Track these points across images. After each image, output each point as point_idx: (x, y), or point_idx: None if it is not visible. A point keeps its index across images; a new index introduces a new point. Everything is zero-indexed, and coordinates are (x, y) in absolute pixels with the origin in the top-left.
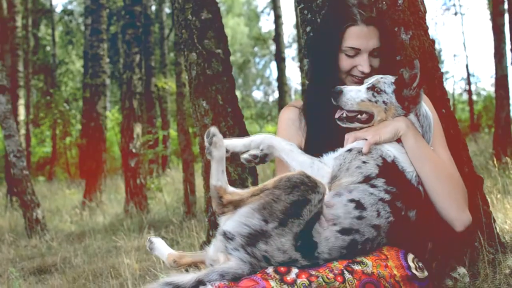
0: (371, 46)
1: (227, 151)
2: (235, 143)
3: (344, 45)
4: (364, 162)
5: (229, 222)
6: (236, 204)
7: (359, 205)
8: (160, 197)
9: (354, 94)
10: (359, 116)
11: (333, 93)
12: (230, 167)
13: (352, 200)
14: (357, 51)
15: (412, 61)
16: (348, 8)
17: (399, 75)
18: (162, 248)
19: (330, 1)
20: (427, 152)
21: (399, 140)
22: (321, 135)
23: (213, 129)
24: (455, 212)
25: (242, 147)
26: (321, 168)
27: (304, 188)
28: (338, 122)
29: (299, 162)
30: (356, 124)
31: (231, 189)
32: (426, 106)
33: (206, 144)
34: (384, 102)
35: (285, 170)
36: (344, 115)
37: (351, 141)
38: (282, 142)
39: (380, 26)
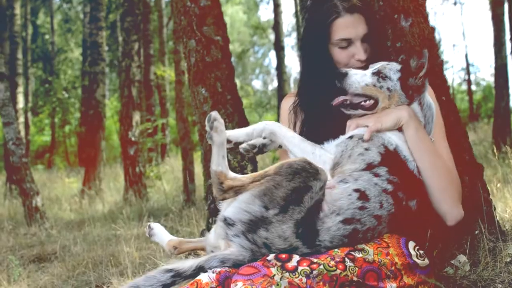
0: (361, 32)
1: (230, 141)
2: (237, 133)
3: (334, 39)
4: (366, 149)
5: (229, 208)
6: (237, 190)
7: (363, 196)
8: (159, 186)
9: (359, 78)
10: (362, 102)
11: (338, 75)
12: (230, 154)
13: (357, 190)
14: (348, 42)
15: (421, 50)
16: (330, 2)
17: (405, 63)
18: (162, 234)
19: None
20: (427, 144)
21: (400, 129)
22: (320, 125)
23: (214, 114)
24: (449, 206)
25: (245, 136)
26: (322, 155)
27: (306, 174)
28: (342, 109)
29: (301, 149)
30: (360, 111)
31: (232, 174)
32: (429, 97)
33: (207, 128)
34: (388, 88)
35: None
36: (348, 101)
37: (353, 128)
38: (284, 129)
39: (364, 12)
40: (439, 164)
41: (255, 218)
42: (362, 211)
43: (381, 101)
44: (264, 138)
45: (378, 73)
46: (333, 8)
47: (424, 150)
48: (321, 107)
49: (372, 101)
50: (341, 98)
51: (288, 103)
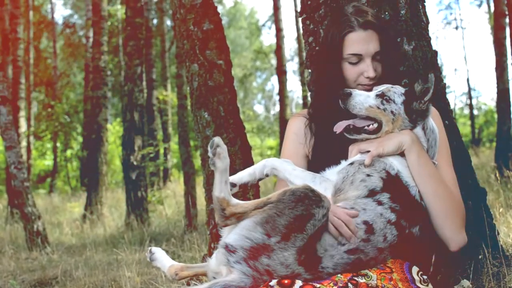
0: (372, 50)
1: (235, 185)
2: (240, 175)
3: (345, 53)
4: (368, 175)
5: (231, 235)
6: (239, 217)
7: (369, 229)
8: (161, 210)
9: (362, 99)
10: (365, 127)
11: (341, 95)
12: None
13: (365, 222)
14: (359, 57)
15: (427, 74)
16: (345, 17)
17: (410, 87)
18: (163, 259)
19: (330, 14)
20: (430, 170)
21: (403, 154)
22: (328, 147)
23: (217, 140)
24: (451, 232)
25: (248, 176)
26: (323, 182)
27: (308, 202)
28: (345, 134)
29: (301, 178)
30: (363, 135)
31: (234, 201)
32: (432, 121)
33: (210, 154)
34: (392, 112)
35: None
36: (351, 126)
37: (355, 153)
38: (283, 163)
39: (379, 29)
40: (441, 190)
41: (256, 246)
42: (366, 243)
43: (384, 125)
44: (267, 175)
45: (382, 96)
46: (348, 22)
47: (427, 176)
48: (330, 123)
49: (375, 125)
50: (344, 124)
51: (296, 122)
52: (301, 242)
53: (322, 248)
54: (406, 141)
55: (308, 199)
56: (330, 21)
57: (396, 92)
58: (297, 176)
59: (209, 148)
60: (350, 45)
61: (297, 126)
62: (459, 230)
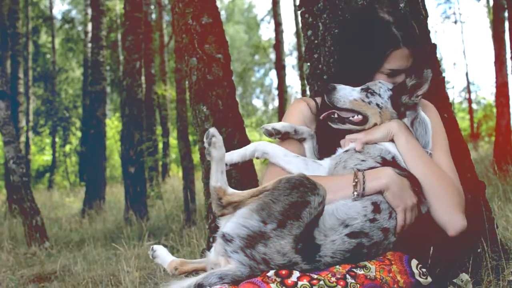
0: (409, 65)
1: (226, 164)
2: (231, 155)
3: (385, 67)
4: (363, 161)
5: (228, 224)
6: (236, 206)
7: (376, 208)
8: (160, 205)
9: (347, 92)
10: (350, 117)
11: (326, 89)
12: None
13: (373, 203)
14: (397, 72)
15: (423, 70)
16: (389, 30)
17: (400, 82)
18: (164, 256)
19: (360, 19)
20: (419, 152)
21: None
22: (332, 141)
23: (213, 130)
24: (445, 214)
25: (238, 157)
26: (316, 169)
27: (304, 189)
28: (329, 123)
29: (294, 165)
30: (348, 126)
31: (230, 190)
32: (423, 113)
33: (206, 144)
34: (377, 104)
35: (274, 177)
36: (336, 115)
37: (347, 145)
38: (276, 148)
39: (415, 45)
40: (432, 172)
41: (253, 233)
42: (372, 223)
43: (371, 117)
44: (257, 158)
45: (367, 89)
46: (394, 38)
47: (416, 158)
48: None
49: (360, 117)
50: (329, 111)
51: (302, 106)
52: (298, 230)
53: (322, 234)
54: (393, 127)
55: (303, 186)
56: (360, 25)
57: (382, 87)
58: (289, 162)
59: (205, 139)
60: (392, 60)
61: (304, 108)
62: (454, 212)
